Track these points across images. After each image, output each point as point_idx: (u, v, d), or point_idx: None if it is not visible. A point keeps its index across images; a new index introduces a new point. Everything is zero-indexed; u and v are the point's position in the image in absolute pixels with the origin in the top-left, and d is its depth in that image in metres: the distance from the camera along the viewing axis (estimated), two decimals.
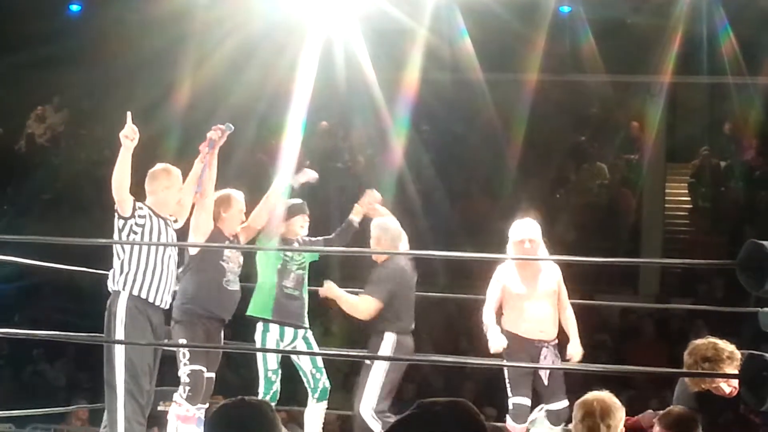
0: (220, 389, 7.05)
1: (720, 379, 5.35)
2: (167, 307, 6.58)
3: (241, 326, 7.33)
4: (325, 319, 11.46)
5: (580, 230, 13.70)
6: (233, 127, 7.02)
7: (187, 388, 6.69)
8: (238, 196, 7.11)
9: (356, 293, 7.20)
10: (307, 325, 7.19)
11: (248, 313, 7.14)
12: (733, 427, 5.39)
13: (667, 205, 15.39)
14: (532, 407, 7.00)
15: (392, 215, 7.50)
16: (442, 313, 11.65)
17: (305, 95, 12.59)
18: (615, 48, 14.14)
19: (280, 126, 13.16)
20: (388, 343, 7.05)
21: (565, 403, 6.92)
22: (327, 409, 7.33)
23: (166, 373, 7.13)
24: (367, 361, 7.13)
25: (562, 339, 7.08)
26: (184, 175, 6.74)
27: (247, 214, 7.17)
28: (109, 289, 6.46)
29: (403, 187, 13.56)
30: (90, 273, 7.88)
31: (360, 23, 12.64)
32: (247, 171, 14.28)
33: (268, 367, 7.05)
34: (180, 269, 6.85)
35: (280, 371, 7.08)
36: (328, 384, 7.22)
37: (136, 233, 6.41)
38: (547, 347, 6.97)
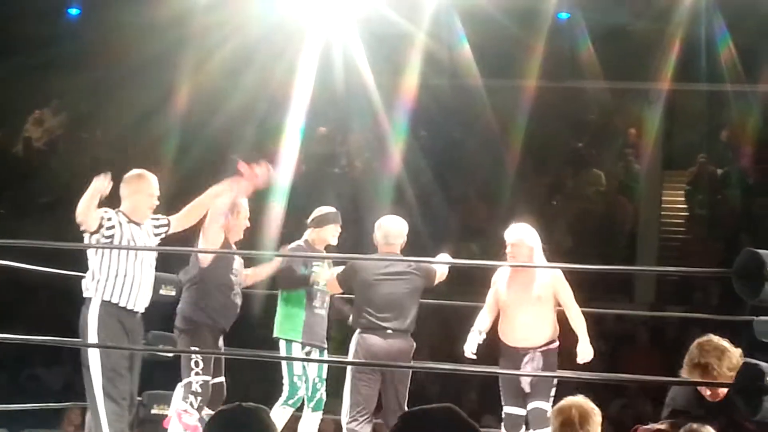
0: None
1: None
2: (142, 311, 6.61)
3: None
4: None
5: (577, 237, 13.71)
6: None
7: (199, 398, 6.80)
8: (244, 203, 7.15)
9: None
10: (326, 345, 7.34)
11: (277, 335, 7.21)
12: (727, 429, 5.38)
13: (663, 213, 15.39)
14: None
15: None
16: (438, 319, 11.65)
17: (303, 100, 12.62)
18: (613, 54, 14.16)
19: (279, 130, 13.20)
20: (353, 341, 7.06)
21: (537, 404, 6.86)
22: (326, 414, 7.37)
23: (159, 378, 7.15)
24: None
25: (568, 342, 7.05)
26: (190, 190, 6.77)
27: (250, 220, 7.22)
28: (83, 296, 6.51)
29: (401, 193, 13.57)
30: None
31: (358, 27, 12.67)
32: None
33: (294, 372, 7.14)
34: (186, 280, 6.98)
35: (305, 377, 7.16)
36: (325, 396, 7.28)
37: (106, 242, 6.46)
38: (532, 354, 6.96)
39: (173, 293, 7.64)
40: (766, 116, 14.33)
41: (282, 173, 11.99)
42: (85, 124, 15.75)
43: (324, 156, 15.19)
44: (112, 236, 6.47)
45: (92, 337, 6.37)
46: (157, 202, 6.71)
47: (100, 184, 6.32)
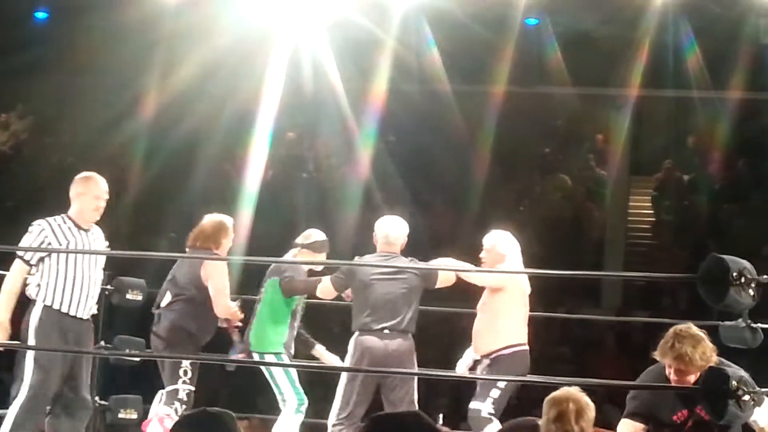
0: None
1: (683, 373, 5.33)
2: (87, 317, 6.55)
3: None
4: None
5: (544, 242, 13.74)
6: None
7: (184, 406, 6.87)
8: (230, 223, 7.28)
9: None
10: None
11: (262, 350, 7.20)
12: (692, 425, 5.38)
13: (630, 218, 15.47)
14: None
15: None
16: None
17: (272, 105, 12.61)
18: (581, 60, 14.21)
19: (247, 135, 13.19)
20: (351, 343, 7.02)
21: (471, 404, 6.94)
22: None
23: (125, 382, 7.13)
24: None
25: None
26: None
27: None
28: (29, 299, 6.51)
29: (369, 198, 13.58)
30: None
31: (327, 33, 12.67)
32: (213, 180, 14.28)
33: (293, 379, 7.16)
34: (177, 293, 7.02)
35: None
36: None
37: (42, 255, 6.40)
38: (484, 361, 7.04)
39: (140, 298, 7.62)
40: (733, 122, 14.42)
41: (250, 177, 12.00)
42: (51, 128, 15.67)
43: (292, 161, 15.18)
44: (49, 244, 6.41)
45: (30, 341, 6.36)
46: (104, 205, 6.63)
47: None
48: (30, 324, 6.39)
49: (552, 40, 14.07)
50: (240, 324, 7.24)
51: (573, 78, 14.30)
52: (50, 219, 6.48)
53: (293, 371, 7.18)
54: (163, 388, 7.02)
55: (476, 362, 7.11)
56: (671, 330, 5.37)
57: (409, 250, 7.29)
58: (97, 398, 7.29)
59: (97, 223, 6.66)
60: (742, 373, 5.07)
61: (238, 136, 13.72)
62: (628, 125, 14.85)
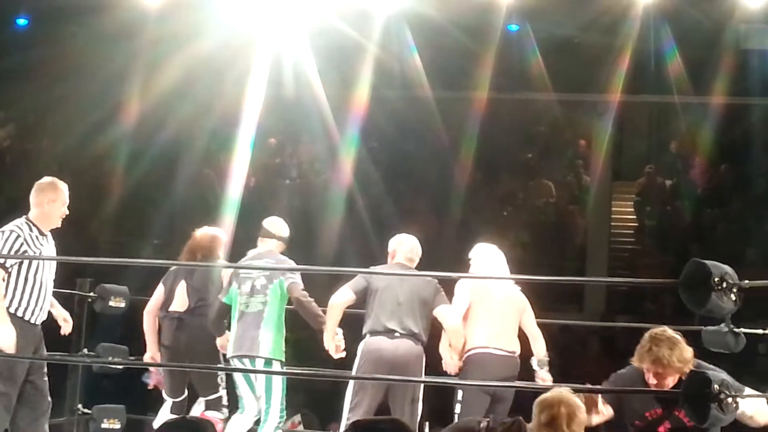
0: None
1: (661, 376, 5.34)
2: (39, 323, 6.55)
3: None
4: None
5: (527, 248, 13.77)
6: None
7: (227, 411, 7.03)
8: (223, 236, 7.43)
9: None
10: None
11: (276, 358, 6.99)
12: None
13: (613, 224, 15.50)
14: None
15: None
16: None
17: (254, 111, 12.59)
18: (563, 66, 14.24)
19: (229, 141, 13.18)
20: (360, 347, 6.98)
21: None
22: None
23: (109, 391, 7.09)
24: None
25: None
26: None
27: None
28: None
29: (352, 204, 13.58)
30: None
31: (309, 39, 12.66)
32: (195, 187, 14.26)
33: (285, 392, 7.03)
34: (188, 300, 7.12)
35: None
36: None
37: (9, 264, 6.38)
38: None
39: (123, 305, 7.60)
40: (714, 128, 14.47)
41: (233, 184, 11.98)
42: (33, 135, 15.63)
43: (274, 167, 15.17)
44: (25, 250, 6.42)
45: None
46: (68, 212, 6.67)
47: None
48: None
49: (533, 46, 14.09)
50: None
51: (555, 84, 14.33)
52: (19, 224, 6.45)
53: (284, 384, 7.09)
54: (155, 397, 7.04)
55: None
56: (647, 334, 5.39)
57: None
58: (80, 407, 7.26)
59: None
60: (724, 375, 5.09)
61: (221, 143, 13.71)
62: (610, 131, 14.88)
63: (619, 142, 15.64)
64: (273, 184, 14.75)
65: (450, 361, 7.03)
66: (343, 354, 6.91)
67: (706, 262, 5.08)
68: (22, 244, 6.40)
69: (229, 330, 7.05)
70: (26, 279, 6.40)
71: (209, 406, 7.03)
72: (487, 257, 7.32)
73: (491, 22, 13.40)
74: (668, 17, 13.24)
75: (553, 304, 12.86)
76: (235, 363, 6.95)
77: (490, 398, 6.95)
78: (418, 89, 14.01)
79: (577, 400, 4.58)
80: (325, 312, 6.93)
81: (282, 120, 14.58)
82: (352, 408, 6.84)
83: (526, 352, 7.05)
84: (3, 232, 6.41)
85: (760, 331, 6.96)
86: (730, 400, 4.90)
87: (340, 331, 6.92)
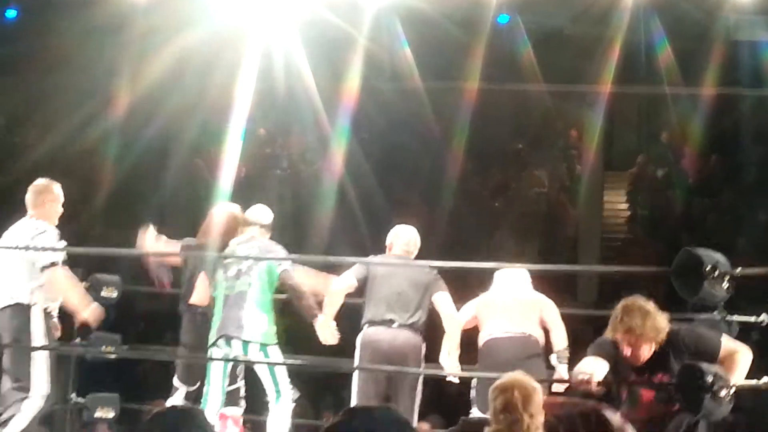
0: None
1: (634, 346, 5.30)
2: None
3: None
4: None
5: (520, 238, 13.77)
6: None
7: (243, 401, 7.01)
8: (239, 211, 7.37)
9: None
10: None
11: (272, 342, 6.92)
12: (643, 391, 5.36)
13: (605, 214, 15.52)
14: None
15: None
16: None
17: (245, 102, 12.57)
18: (553, 57, 14.23)
19: (219, 132, 13.15)
20: (358, 338, 6.95)
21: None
22: None
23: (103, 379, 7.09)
24: None
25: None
26: None
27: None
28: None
29: (343, 195, 13.57)
30: None
31: (299, 31, 12.63)
32: (185, 178, 14.24)
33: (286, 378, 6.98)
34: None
35: None
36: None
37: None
38: None
39: (114, 295, 7.58)
40: (705, 118, 14.49)
41: (224, 175, 11.95)
42: (21, 128, 15.58)
43: (265, 158, 15.15)
44: None
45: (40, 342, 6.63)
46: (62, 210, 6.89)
47: None
48: (37, 327, 6.56)
49: (524, 37, 14.08)
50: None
51: (545, 75, 14.32)
52: (45, 223, 6.72)
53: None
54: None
55: None
56: (619, 304, 5.37)
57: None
58: (73, 396, 7.26)
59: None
60: (701, 330, 5.08)
61: (211, 134, 13.69)
62: (601, 121, 14.89)
63: (610, 132, 15.65)
64: (264, 175, 14.73)
65: (450, 365, 6.96)
66: (336, 341, 6.89)
67: (699, 250, 5.09)
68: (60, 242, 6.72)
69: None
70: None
71: (228, 399, 6.91)
72: (508, 283, 7.25)
73: (481, 13, 13.40)
74: (658, 8, 13.24)
75: (546, 293, 12.86)
76: (220, 344, 6.85)
77: None
78: (409, 81, 13.99)
79: (533, 382, 4.51)
80: (319, 304, 6.90)
81: (272, 111, 14.56)
82: (359, 398, 6.81)
83: (549, 344, 6.98)
84: (47, 230, 6.68)
85: (753, 319, 6.96)
86: (723, 392, 4.89)
87: (333, 323, 6.88)
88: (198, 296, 7.04)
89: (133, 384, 7.22)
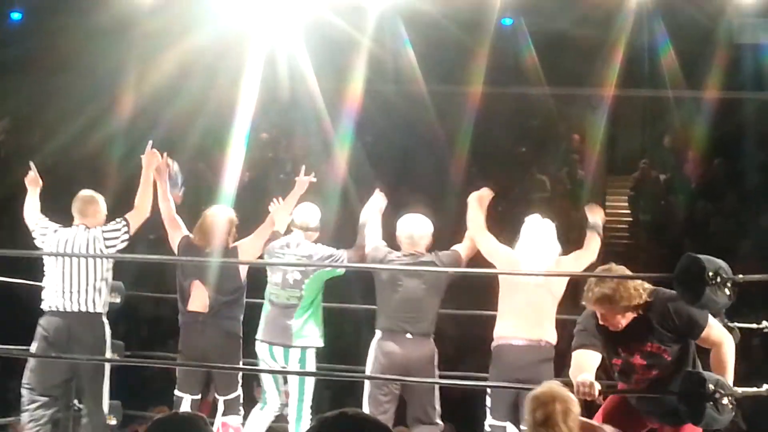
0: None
1: (609, 312, 5.27)
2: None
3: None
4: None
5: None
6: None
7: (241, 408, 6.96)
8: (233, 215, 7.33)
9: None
10: None
11: (315, 344, 6.89)
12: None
13: (607, 218, 15.46)
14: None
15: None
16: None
17: (249, 105, 12.58)
18: (556, 61, 14.24)
19: (223, 136, 13.16)
20: (372, 346, 6.84)
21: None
22: None
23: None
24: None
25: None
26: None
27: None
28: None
29: (347, 199, 13.56)
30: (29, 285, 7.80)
31: (304, 33, 12.64)
32: (188, 181, 14.23)
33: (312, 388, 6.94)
34: (209, 302, 6.83)
35: None
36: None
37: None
38: None
39: (118, 300, 7.58)
40: (708, 122, 14.48)
41: (227, 178, 11.95)
42: (28, 128, 15.60)
43: (269, 162, 15.15)
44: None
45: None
46: None
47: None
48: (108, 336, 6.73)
49: (527, 40, 14.09)
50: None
51: (548, 78, 14.33)
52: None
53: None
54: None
55: None
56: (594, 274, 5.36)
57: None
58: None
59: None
60: (682, 306, 5.06)
61: (215, 137, 13.69)
62: (604, 125, 14.88)
63: (613, 136, 15.64)
64: (268, 179, 14.73)
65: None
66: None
67: (701, 256, 5.08)
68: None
69: None
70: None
71: (228, 407, 6.84)
72: (537, 231, 7.22)
73: (485, 16, 13.41)
74: (662, 11, 13.26)
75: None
76: (263, 348, 6.85)
77: (516, 391, 6.67)
78: (413, 84, 14.00)
79: (570, 395, 4.46)
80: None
81: (276, 114, 14.57)
82: (370, 405, 6.73)
83: (562, 342, 6.93)
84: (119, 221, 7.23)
85: (755, 326, 6.96)
86: (726, 400, 4.88)
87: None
88: (196, 303, 6.85)
89: (135, 390, 7.19)
